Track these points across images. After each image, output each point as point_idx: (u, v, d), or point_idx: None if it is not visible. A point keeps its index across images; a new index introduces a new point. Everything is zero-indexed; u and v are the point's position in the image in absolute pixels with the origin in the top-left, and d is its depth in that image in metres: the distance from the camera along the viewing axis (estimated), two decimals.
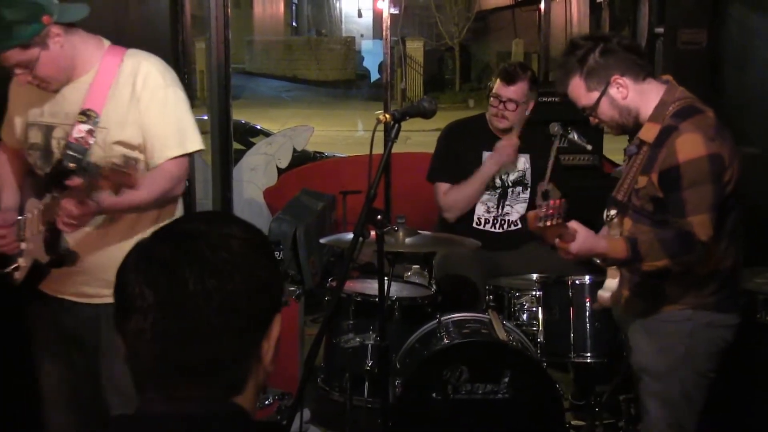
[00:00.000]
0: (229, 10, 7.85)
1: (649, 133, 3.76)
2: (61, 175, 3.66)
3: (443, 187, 5.76)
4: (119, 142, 3.74)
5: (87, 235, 3.80)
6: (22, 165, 4.03)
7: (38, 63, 3.58)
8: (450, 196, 5.72)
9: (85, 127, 3.68)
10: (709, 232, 3.56)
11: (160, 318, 1.65)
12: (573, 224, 3.68)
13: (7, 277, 3.88)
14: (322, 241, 5.47)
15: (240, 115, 16.76)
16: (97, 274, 3.83)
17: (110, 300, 3.75)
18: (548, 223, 3.47)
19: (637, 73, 3.81)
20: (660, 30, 7.38)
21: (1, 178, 4.05)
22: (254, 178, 9.28)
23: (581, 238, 3.65)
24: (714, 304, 3.82)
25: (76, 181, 3.38)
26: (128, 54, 3.84)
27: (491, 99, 5.66)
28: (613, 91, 3.80)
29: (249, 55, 40.42)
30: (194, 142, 3.88)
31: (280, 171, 9.53)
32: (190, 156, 3.91)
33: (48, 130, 3.80)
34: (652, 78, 3.85)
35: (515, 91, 5.58)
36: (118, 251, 3.81)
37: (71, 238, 3.76)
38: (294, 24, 46.46)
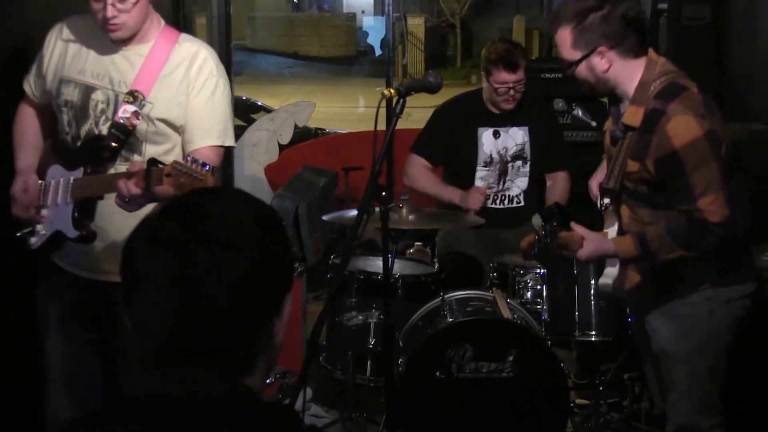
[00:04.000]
0: None
1: (633, 117, 3.64)
2: (99, 151, 3.68)
3: (419, 160, 5.75)
4: (163, 120, 3.74)
5: (112, 211, 3.72)
6: (44, 124, 4.00)
7: (137, 3, 3.59)
8: (420, 174, 5.76)
9: (132, 108, 3.68)
10: (723, 211, 3.48)
11: (169, 295, 1.61)
12: (578, 230, 3.71)
13: (21, 240, 3.84)
14: (324, 218, 5.45)
15: (241, 91, 16.71)
16: (117, 250, 3.78)
17: None
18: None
19: (629, 49, 3.66)
20: (664, 6, 7.32)
21: (21, 135, 3.99)
22: (256, 154, 9.25)
23: (588, 244, 3.69)
24: (733, 279, 3.77)
25: (137, 167, 3.43)
26: (183, 38, 3.85)
27: (496, 87, 5.57)
28: (595, 59, 3.67)
29: (250, 31, 40.34)
30: (232, 137, 3.93)
31: (281, 147, 9.50)
32: (225, 150, 3.93)
33: (87, 90, 3.77)
34: (644, 54, 3.70)
35: (519, 73, 5.55)
36: None
37: (102, 214, 3.73)
38: (295, 0, 46.31)
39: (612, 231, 4.01)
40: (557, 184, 5.73)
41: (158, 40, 3.77)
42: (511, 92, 5.55)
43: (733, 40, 7.04)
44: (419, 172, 5.75)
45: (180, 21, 6.34)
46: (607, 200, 3.89)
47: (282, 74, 35.58)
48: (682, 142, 3.47)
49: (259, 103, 15.78)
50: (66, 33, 3.85)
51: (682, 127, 3.48)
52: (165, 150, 3.79)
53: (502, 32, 32.84)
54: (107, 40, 3.71)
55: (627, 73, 3.67)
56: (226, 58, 7.93)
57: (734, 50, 7.03)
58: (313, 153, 10.03)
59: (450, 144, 5.72)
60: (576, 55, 3.70)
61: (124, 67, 3.75)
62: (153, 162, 3.44)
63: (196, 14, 7.50)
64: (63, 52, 3.83)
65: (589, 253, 3.71)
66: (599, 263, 4.68)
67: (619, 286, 3.99)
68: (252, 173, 9.17)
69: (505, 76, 5.51)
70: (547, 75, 7.16)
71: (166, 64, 3.74)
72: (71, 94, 3.79)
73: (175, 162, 3.33)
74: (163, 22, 3.86)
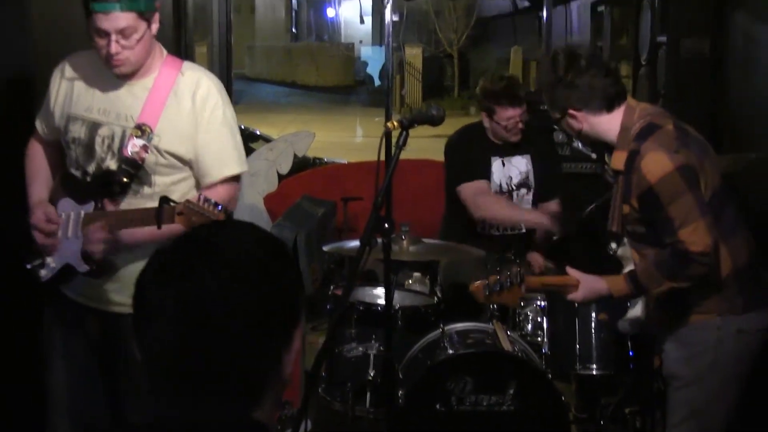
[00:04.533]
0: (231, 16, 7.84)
1: (618, 161, 3.82)
2: (109, 185, 3.71)
3: (471, 186, 5.65)
4: (171, 153, 3.75)
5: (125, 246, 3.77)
6: (54, 160, 4.01)
7: (141, 40, 3.59)
8: (488, 201, 5.64)
9: (140, 142, 3.70)
10: (705, 240, 3.60)
11: (180, 327, 1.62)
12: (572, 273, 3.91)
13: (32, 272, 3.85)
14: (324, 248, 5.45)
15: (239, 120, 16.61)
16: (130, 282, 3.78)
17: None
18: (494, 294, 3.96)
19: (599, 106, 3.84)
20: (662, 39, 7.34)
21: (33, 169, 4.01)
22: (255, 183, 9.23)
23: (582, 287, 3.89)
24: (742, 306, 3.83)
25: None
26: (186, 66, 3.86)
27: (504, 123, 5.57)
28: (570, 120, 3.90)
29: (249, 60, 40.50)
30: (245, 161, 3.97)
31: (280, 177, 9.50)
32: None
33: (94, 126, 3.79)
34: (619, 105, 3.86)
35: (523, 105, 5.57)
36: None
37: None
38: (294, 30, 46.49)
39: (636, 311, 4.19)
40: (549, 212, 5.69)
41: (161, 71, 3.78)
42: (519, 125, 5.57)
43: (732, 73, 7.05)
44: (488, 199, 5.65)
45: (181, 50, 6.36)
46: (614, 245, 4.01)
47: (280, 103, 35.66)
48: (656, 178, 3.62)
49: (258, 132, 15.78)
50: (70, 71, 3.88)
51: (654, 163, 3.64)
52: (174, 181, 3.80)
53: (500, 63, 32.96)
54: (112, 75, 3.73)
55: (603, 126, 3.86)
56: (226, 87, 7.97)
57: (733, 83, 7.04)
58: (312, 183, 10.03)
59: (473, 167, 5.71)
60: (556, 114, 3.96)
61: (130, 101, 3.76)
62: (165, 200, 3.45)
63: (197, 43, 7.53)
64: (69, 90, 3.85)
65: (584, 296, 3.91)
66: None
67: (639, 325, 4.16)
68: (251, 202, 9.15)
69: (510, 112, 5.52)
70: (545, 107, 7.18)
71: (170, 94, 3.75)
72: (78, 131, 3.81)
73: (188, 201, 3.37)
74: (165, 52, 3.87)
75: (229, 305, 1.62)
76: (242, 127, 15.31)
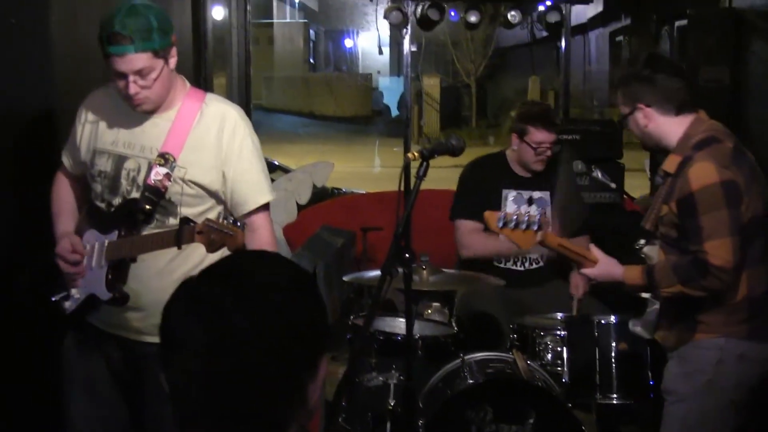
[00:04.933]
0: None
1: (671, 164, 3.90)
2: (133, 214, 3.73)
3: (465, 224, 5.71)
4: (197, 184, 3.78)
5: (154, 273, 3.79)
6: (80, 193, 4.05)
7: (159, 77, 3.61)
8: (474, 239, 5.65)
9: (163, 170, 3.71)
10: (726, 257, 3.67)
11: (207, 358, 1.63)
12: (594, 251, 4.03)
13: (57, 305, 3.86)
14: (345, 278, 5.44)
15: None
16: (152, 311, 3.80)
17: (158, 339, 3.71)
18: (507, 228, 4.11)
19: (669, 107, 3.94)
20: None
21: (59, 202, 4.04)
22: (274, 214, 9.21)
23: (599, 265, 4.00)
24: (747, 332, 3.86)
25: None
26: (209, 98, 3.89)
27: (535, 146, 5.58)
28: (638, 115, 4.00)
29: (267, 91, 40.65)
30: (272, 191, 4.00)
31: (299, 207, 9.52)
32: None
33: (120, 160, 3.80)
34: (688, 112, 3.95)
35: (554, 134, 5.59)
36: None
37: (135, 276, 3.78)
38: (312, 61, 46.68)
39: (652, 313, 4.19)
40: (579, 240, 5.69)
41: (185, 103, 3.81)
42: (548, 152, 5.58)
43: (751, 101, 7.06)
44: (474, 239, 5.69)
45: (200, 81, 6.41)
46: (642, 240, 4.05)
47: (298, 134, 35.78)
48: (698, 186, 3.71)
49: (276, 163, 15.83)
50: (96, 106, 3.91)
51: (701, 171, 3.73)
52: (200, 212, 3.80)
53: (518, 93, 33.02)
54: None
55: (667, 128, 3.96)
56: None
57: (752, 111, 7.05)
58: (331, 213, 10.04)
59: (478, 201, 5.71)
60: (625, 110, 4.08)
61: (155, 133, 3.78)
62: (186, 220, 3.49)
63: (216, 74, 7.58)
64: (94, 125, 3.88)
65: (598, 274, 4.03)
66: (621, 327, 4.73)
67: (650, 330, 4.18)
68: None
69: (544, 135, 5.53)
70: (565, 136, 7.19)
71: (195, 125, 3.77)
72: (105, 164, 3.83)
73: (207, 219, 3.39)
74: (188, 84, 3.89)
75: (256, 338, 1.63)
76: None
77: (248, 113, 7.85)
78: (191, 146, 3.75)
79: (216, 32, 7.42)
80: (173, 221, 3.75)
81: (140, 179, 3.76)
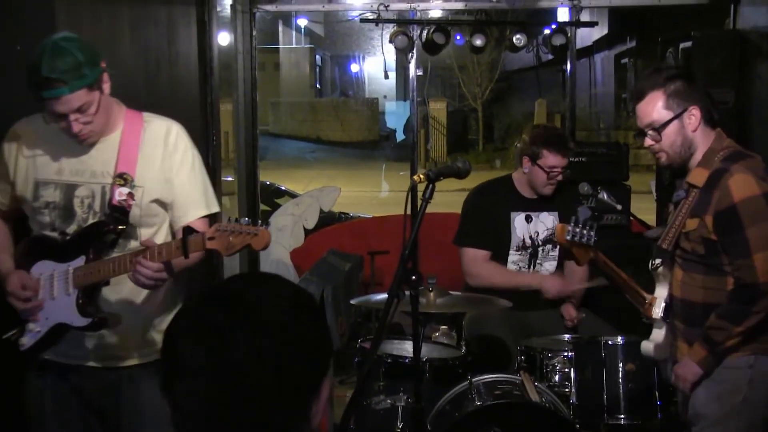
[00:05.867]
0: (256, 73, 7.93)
1: (699, 177, 3.83)
2: (101, 236, 3.68)
3: (471, 252, 5.72)
4: (155, 200, 3.78)
5: (124, 296, 3.79)
6: (9, 230, 3.97)
7: (98, 108, 3.59)
8: (482, 268, 5.67)
9: (125, 190, 3.70)
10: None
11: (211, 381, 1.64)
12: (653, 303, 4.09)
13: (10, 342, 3.76)
14: (352, 302, 5.45)
15: (265, 176, 16.80)
16: (129, 335, 3.83)
17: (133, 362, 3.71)
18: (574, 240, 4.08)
19: (709, 117, 3.90)
20: None
21: None
22: (281, 238, 9.29)
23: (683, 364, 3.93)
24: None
25: (150, 241, 3.52)
26: (148, 116, 3.88)
27: (548, 170, 5.60)
28: (686, 118, 3.87)
29: (273, 116, 40.70)
30: (216, 203, 4.00)
31: (307, 232, 9.54)
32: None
33: (69, 188, 3.75)
34: (714, 126, 3.93)
35: (568, 158, 5.60)
36: (145, 310, 3.84)
37: (104, 301, 3.74)
38: (318, 86, 46.77)
39: (661, 294, 4.15)
40: (576, 269, 5.68)
41: (126, 124, 3.79)
42: (559, 176, 5.59)
43: (756, 123, 7.07)
44: (482, 267, 5.72)
45: (207, 107, 6.43)
46: (658, 260, 4.01)
47: (305, 159, 35.83)
48: (741, 197, 3.65)
49: (283, 188, 15.87)
50: (27, 139, 3.82)
51: (742, 182, 3.67)
52: (154, 231, 3.83)
53: (525, 116, 33.07)
54: None
55: (704, 137, 3.89)
56: (252, 143, 8.03)
57: (756, 133, 7.06)
58: (338, 237, 10.07)
59: (484, 226, 5.72)
60: (668, 114, 3.90)
61: (103, 157, 3.75)
62: (189, 230, 3.48)
63: (222, 100, 7.60)
64: (31, 158, 3.81)
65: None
66: (629, 347, 4.74)
67: (661, 356, 4.13)
68: (278, 258, 9.21)
69: (558, 160, 5.53)
70: (572, 159, 7.20)
71: (141, 144, 3.77)
72: (52, 195, 3.77)
73: (218, 224, 3.40)
74: (123, 106, 3.86)
75: (258, 360, 1.64)
76: (267, 183, 15.47)
77: (255, 139, 7.92)
78: (143, 165, 3.75)
79: (222, 58, 7.45)
80: (134, 243, 3.74)
81: (96, 205, 3.74)
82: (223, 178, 7.81)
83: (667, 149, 3.94)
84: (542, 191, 5.65)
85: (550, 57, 10.10)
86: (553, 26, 9.21)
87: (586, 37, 24.06)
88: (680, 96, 3.88)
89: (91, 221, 3.73)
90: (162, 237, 3.85)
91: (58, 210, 3.77)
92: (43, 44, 3.48)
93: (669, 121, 3.88)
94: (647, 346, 4.24)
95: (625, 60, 26.96)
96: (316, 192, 10.09)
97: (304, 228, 9.52)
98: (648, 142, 3.96)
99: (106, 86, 3.65)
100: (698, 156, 3.88)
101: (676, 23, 11.72)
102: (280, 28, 44.69)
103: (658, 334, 4.15)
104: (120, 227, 3.69)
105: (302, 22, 45.40)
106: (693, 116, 3.86)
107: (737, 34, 7.44)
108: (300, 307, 1.76)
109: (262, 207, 10.14)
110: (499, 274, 5.66)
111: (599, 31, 23.85)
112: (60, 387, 3.89)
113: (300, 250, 9.33)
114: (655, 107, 3.91)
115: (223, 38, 8.79)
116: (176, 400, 1.68)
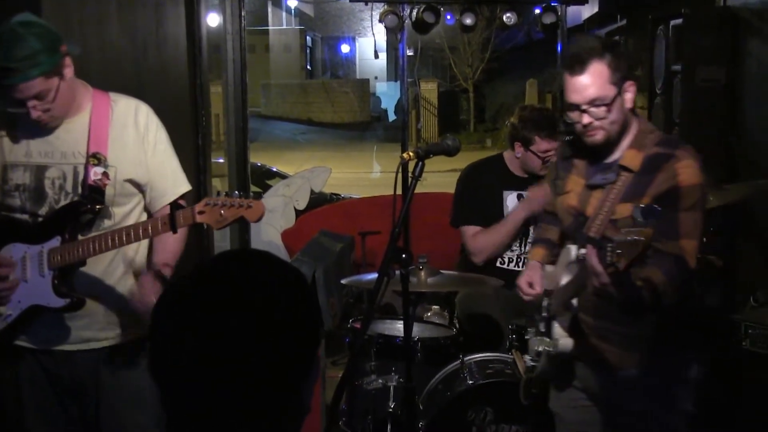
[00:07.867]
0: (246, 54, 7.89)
1: (633, 160, 3.55)
2: (77, 217, 3.65)
3: (470, 230, 5.69)
4: (129, 180, 3.77)
5: (96, 277, 3.76)
6: None
7: (58, 93, 3.56)
8: (479, 240, 5.65)
9: (100, 169, 3.67)
10: (695, 262, 3.46)
11: (199, 360, 1.62)
12: None
13: None
14: (343, 281, 5.44)
15: (256, 157, 16.83)
16: (98, 316, 3.80)
17: (108, 343, 3.69)
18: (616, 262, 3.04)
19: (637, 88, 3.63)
20: (677, 67, 7.36)
21: None
22: (272, 219, 9.28)
23: None
24: (689, 340, 3.71)
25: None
26: (114, 96, 3.86)
27: (542, 155, 5.53)
28: (627, 95, 3.56)
29: (264, 98, 40.69)
30: (187, 181, 4.00)
31: (298, 212, 9.53)
32: None
33: (39, 170, 3.73)
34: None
35: (557, 141, 5.57)
36: (119, 290, 3.82)
37: (77, 284, 3.71)
38: (308, 67, 46.72)
39: (550, 269, 3.93)
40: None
41: (95, 104, 3.77)
42: (553, 158, 5.56)
43: (747, 101, 7.06)
44: (480, 241, 5.65)
45: (197, 89, 6.39)
46: (583, 250, 3.35)
47: (296, 140, 35.83)
48: (687, 183, 3.45)
49: (274, 170, 15.86)
50: None
51: (690, 168, 3.46)
52: (129, 210, 3.82)
53: (515, 96, 33.04)
54: None
55: (634, 116, 3.65)
56: (242, 125, 8.00)
57: (748, 111, 7.05)
58: (329, 218, 10.07)
59: (478, 204, 5.71)
60: (612, 90, 3.52)
61: (72, 138, 3.73)
62: (177, 206, 3.49)
63: (212, 82, 7.56)
64: None
65: None
66: None
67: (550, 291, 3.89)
68: (269, 239, 9.20)
69: (551, 144, 5.48)
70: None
71: (111, 124, 3.75)
72: (22, 177, 3.75)
73: (208, 198, 3.37)
74: (89, 87, 3.84)
75: (247, 338, 1.63)
76: (258, 164, 15.45)
77: (245, 121, 7.88)
78: (114, 145, 3.73)
79: (211, 40, 7.40)
80: (108, 222, 3.73)
81: (68, 185, 3.71)
82: (213, 160, 7.79)
83: (608, 127, 3.56)
84: (539, 173, 5.63)
85: (541, 36, 10.07)
86: (543, 5, 9.17)
87: (576, 15, 24.01)
88: (621, 69, 3.51)
89: (63, 202, 3.70)
90: (135, 217, 3.83)
91: (28, 192, 3.74)
92: (1, 30, 3.45)
93: (616, 97, 3.51)
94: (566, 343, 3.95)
95: (616, 38, 26.96)
96: (307, 173, 10.08)
97: (295, 209, 9.52)
98: (587, 119, 3.54)
99: (68, 70, 3.61)
100: (629, 137, 3.62)
101: (666, 1, 11.70)
102: (270, 9, 44.64)
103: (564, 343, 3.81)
104: (97, 206, 3.66)
105: (292, 3, 45.41)
106: (630, 92, 3.56)
107: (728, 11, 7.42)
108: (287, 283, 1.74)
109: (253, 188, 10.12)
110: (494, 233, 5.58)
111: (589, 10, 23.80)
112: (36, 373, 3.87)
113: (291, 231, 9.33)
114: (601, 81, 3.50)
115: (212, 19, 8.77)
116: (164, 380, 1.67)
